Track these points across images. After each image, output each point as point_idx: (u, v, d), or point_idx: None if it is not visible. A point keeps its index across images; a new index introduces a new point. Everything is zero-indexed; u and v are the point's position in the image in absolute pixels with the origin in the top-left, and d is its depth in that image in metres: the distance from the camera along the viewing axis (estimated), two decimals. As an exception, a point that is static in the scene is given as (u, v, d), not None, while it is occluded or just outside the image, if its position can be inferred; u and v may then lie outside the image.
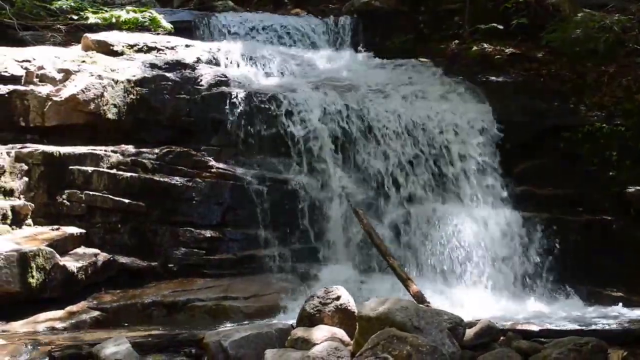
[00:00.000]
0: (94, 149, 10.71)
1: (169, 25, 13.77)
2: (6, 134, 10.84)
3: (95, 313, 9.19)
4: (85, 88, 11.00)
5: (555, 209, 11.42)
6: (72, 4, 13.92)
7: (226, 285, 10.10)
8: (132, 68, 11.69)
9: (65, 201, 10.31)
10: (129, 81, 11.36)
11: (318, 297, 7.33)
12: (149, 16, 13.66)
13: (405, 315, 6.60)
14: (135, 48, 12.49)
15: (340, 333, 6.98)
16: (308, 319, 7.22)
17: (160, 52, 12.50)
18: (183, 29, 13.96)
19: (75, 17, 13.74)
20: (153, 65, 11.84)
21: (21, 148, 10.47)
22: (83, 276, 9.44)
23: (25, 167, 10.31)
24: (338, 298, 7.27)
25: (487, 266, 10.67)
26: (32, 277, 8.79)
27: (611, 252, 11.03)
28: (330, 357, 6.34)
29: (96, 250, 9.92)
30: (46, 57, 11.57)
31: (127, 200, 10.38)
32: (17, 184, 10.25)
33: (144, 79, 11.49)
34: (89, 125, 11.09)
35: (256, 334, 7.19)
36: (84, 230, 10.07)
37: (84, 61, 11.65)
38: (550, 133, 12.10)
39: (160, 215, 10.52)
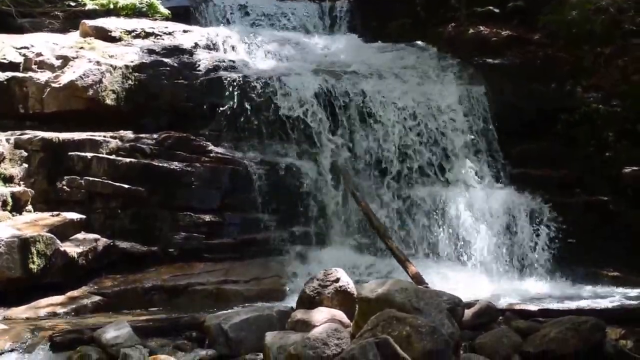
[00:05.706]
0: (93, 135, 10.72)
1: (166, 11, 13.75)
2: (6, 121, 10.88)
3: (96, 298, 9.22)
4: (84, 74, 11.03)
5: (552, 191, 11.50)
6: (70, -10, 13.89)
7: (226, 269, 10.15)
8: (130, 54, 11.70)
9: (65, 187, 10.32)
10: (127, 67, 11.39)
11: (317, 280, 7.37)
12: (147, 2, 13.63)
13: (405, 297, 6.63)
14: (133, 34, 12.49)
15: (340, 315, 7.02)
16: (308, 301, 7.26)
17: (158, 37, 12.49)
18: (180, 15, 13.96)
19: (73, 4, 13.70)
20: (151, 51, 11.85)
21: (20, 135, 10.51)
22: (84, 261, 9.48)
23: (25, 154, 10.35)
24: (337, 280, 7.30)
25: (485, 247, 10.72)
26: (33, 262, 8.83)
27: (608, 232, 11.11)
28: (330, 338, 6.37)
29: (96, 236, 9.93)
30: (44, 43, 11.59)
31: (126, 186, 10.39)
32: (17, 171, 10.28)
33: (142, 65, 11.50)
34: (87, 112, 11.09)
35: (256, 316, 7.25)
36: (84, 216, 10.07)
37: (82, 47, 11.66)
38: (547, 115, 12.12)
39: (160, 200, 10.53)
